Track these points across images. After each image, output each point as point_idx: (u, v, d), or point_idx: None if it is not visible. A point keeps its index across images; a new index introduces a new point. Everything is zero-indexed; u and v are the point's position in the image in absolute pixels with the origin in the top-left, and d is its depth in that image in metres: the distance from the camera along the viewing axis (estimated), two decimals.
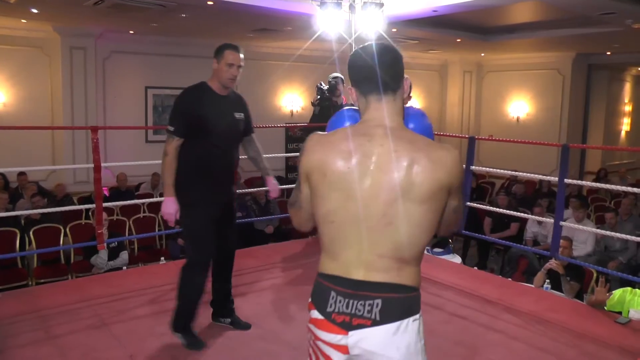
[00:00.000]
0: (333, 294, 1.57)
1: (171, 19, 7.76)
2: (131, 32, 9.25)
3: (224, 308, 3.55)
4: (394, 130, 1.57)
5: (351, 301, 1.54)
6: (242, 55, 3.22)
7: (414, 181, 1.51)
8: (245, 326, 3.51)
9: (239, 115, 3.36)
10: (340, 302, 1.56)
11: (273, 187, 3.60)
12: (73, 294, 4.02)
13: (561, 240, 5.47)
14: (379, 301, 1.52)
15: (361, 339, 1.53)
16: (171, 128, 3.14)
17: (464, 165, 1.86)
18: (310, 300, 1.66)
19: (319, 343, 1.61)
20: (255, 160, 3.62)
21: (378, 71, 1.58)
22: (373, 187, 1.52)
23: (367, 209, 1.52)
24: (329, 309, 1.57)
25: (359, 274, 1.54)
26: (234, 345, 3.31)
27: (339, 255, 1.58)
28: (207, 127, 3.16)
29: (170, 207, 3.16)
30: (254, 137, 3.60)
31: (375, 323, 1.52)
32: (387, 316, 1.52)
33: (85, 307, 3.79)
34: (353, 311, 1.54)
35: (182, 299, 3.27)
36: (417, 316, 1.57)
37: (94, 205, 4.57)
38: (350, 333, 1.54)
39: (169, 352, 3.20)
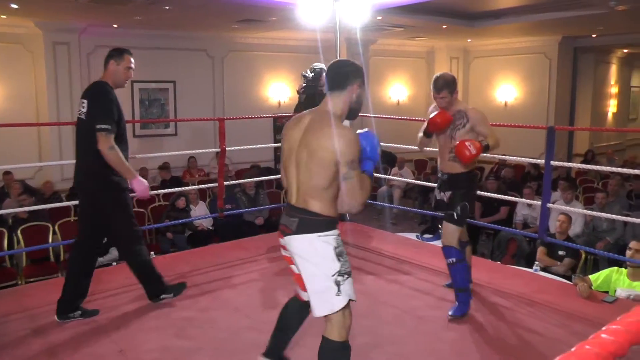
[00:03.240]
0: (283, 211, 2.45)
1: (155, 11, 7.69)
2: (115, 26, 9.17)
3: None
4: (320, 113, 2.40)
5: (286, 217, 2.39)
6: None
7: (309, 142, 2.29)
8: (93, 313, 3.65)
9: None
10: (283, 218, 2.42)
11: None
12: None
13: (560, 215, 5.57)
14: (296, 220, 2.32)
15: (288, 241, 2.37)
16: (107, 127, 3.34)
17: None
18: None
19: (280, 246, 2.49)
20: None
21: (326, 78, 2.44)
22: (292, 146, 2.40)
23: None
24: (280, 221, 2.44)
25: (292, 200, 2.39)
26: (224, 336, 3.31)
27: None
28: (122, 123, 3.50)
29: (141, 184, 3.52)
30: None
31: (293, 233, 2.33)
32: (300, 230, 2.31)
33: None
34: (285, 223, 2.38)
35: (144, 270, 3.66)
36: (321, 233, 2.30)
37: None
38: (284, 237, 2.39)
39: (159, 346, 3.20)
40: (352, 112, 2.44)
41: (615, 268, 4.30)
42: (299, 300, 2.63)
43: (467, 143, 3.32)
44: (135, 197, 3.79)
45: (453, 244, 3.55)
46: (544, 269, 5.25)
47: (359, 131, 2.41)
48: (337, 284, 2.27)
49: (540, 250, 5.51)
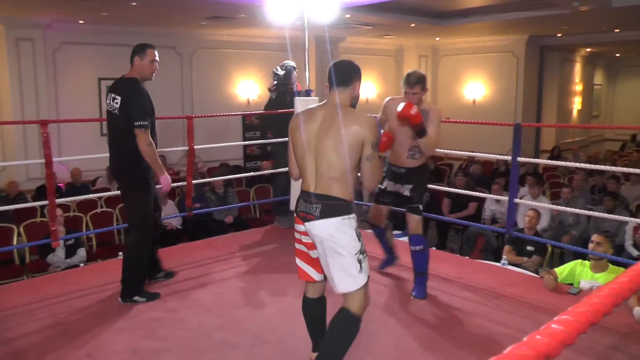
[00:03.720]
0: (301, 200, 2.60)
1: (121, 7, 7.57)
2: (81, 22, 8.99)
3: (157, 269, 4.12)
4: (334, 105, 2.62)
5: (306, 204, 2.54)
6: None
7: (334, 131, 2.51)
8: (174, 273, 4.18)
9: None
10: (301, 205, 2.58)
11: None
12: (28, 294, 3.91)
13: (529, 211, 5.69)
14: (319, 205, 2.50)
15: (311, 227, 2.52)
16: (145, 123, 3.55)
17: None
18: None
19: (295, 233, 2.67)
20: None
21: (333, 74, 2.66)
22: (309, 138, 2.59)
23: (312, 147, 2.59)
24: (297, 209, 2.61)
25: (310, 188, 2.56)
26: (194, 336, 3.29)
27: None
28: (153, 115, 3.69)
29: (167, 180, 3.74)
30: None
31: (317, 218, 2.50)
32: (324, 215, 2.49)
33: (41, 307, 3.70)
34: (306, 211, 2.54)
35: (135, 264, 3.77)
36: (344, 216, 2.50)
37: (47, 202, 4.45)
38: (306, 224, 2.54)
39: (128, 348, 3.15)
40: (352, 106, 2.71)
41: (580, 261, 4.40)
42: (311, 298, 2.80)
43: (414, 107, 3.44)
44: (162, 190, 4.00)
45: (420, 232, 3.83)
46: (513, 265, 5.34)
47: None
48: (359, 262, 2.51)
49: (506, 249, 5.60)
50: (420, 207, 3.84)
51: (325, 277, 2.68)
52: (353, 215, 2.55)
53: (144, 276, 3.88)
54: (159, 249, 4.20)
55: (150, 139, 3.59)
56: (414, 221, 3.86)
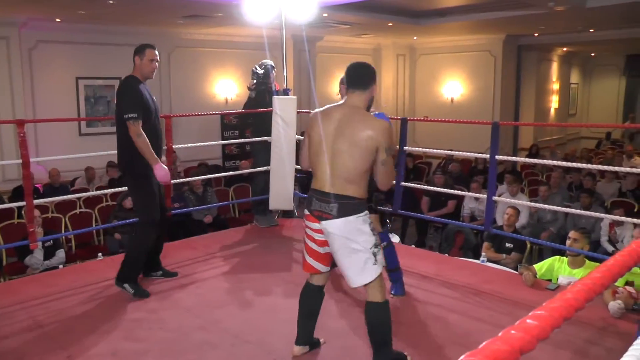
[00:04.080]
0: (314, 199, 2.69)
1: (98, 6, 7.49)
2: (57, 20, 8.86)
3: (155, 264, 4.18)
4: (351, 107, 2.71)
5: (321, 203, 2.65)
6: (157, 52, 3.93)
7: (350, 133, 2.60)
8: (174, 274, 4.20)
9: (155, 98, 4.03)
10: (314, 204, 2.68)
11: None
12: (5, 296, 3.86)
13: (508, 209, 5.77)
14: (336, 205, 2.61)
15: (327, 225, 2.64)
16: (134, 115, 3.69)
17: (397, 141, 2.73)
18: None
19: (308, 230, 2.79)
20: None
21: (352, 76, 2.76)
22: (331, 135, 2.67)
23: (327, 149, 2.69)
24: (311, 208, 2.70)
25: (324, 188, 2.66)
26: (174, 337, 3.28)
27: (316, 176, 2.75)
28: (149, 111, 3.82)
29: (161, 171, 3.79)
30: None
31: (334, 217, 2.61)
32: (341, 213, 2.60)
33: (19, 309, 3.65)
34: (322, 210, 2.65)
35: (134, 252, 3.91)
36: (360, 214, 2.62)
37: (24, 203, 4.39)
38: (322, 222, 2.65)
39: (108, 349, 3.13)
40: (367, 108, 2.80)
41: (558, 257, 4.47)
42: (315, 285, 2.91)
43: None
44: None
45: (379, 229, 3.71)
46: (492, 262, 5.41)
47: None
48: (374, 255, 2.64)
49: (485, 246, 5.67)
50: (372, 205, 3.69)
51: (329, 269, 2.87)
52: (367, 212, 2.67)
53: (140, 268, 3.99)
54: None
55: (140, 130, 3.70)
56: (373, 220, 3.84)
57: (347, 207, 2.61)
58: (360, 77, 2.73)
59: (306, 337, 3.00)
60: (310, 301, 2.94)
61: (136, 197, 4.07)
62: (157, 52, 3.94)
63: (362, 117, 2.65)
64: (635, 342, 1.52)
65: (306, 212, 2.77)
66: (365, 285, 2.68)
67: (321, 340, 3.12)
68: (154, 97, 4.02)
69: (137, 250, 3.94)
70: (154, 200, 3.93)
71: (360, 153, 2.59)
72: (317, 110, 2.84)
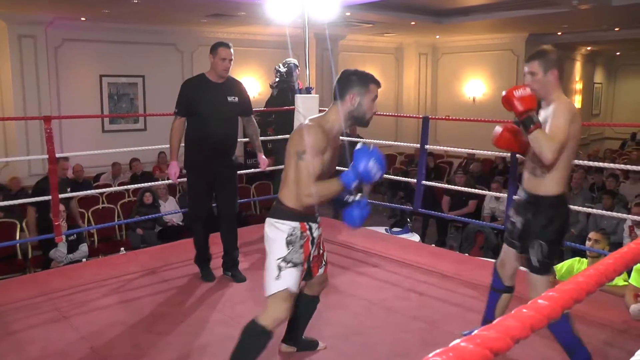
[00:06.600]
0: None
1: (123, 4, 7.60)
2: (83, 19, 9.02)
3: (224, 263, 4.27)
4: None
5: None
6: (232, 51, 3.96)
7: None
8: (242, 279, 4.16)
9: (231, 99, 4.01)
10: None
11: (262, 161, 4.39)
12: (30, 288, 3.95)
13: None
14: (274, 204, 2.55)
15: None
16: (175, 110, 3.99)
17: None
18: None
19: None
20: (251, 138, 4.36)
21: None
22: None
23: None
24: None
25: None
26: (195, 331, 3.33)
27: None
28: (198, 109, 3.91)
29: (171, 168, 4.06)
30: (252, 118, 4.32)
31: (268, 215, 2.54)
32: (270, 214, 2.53)
33: (43, 301, 3.73)
34: None
35: (194, 242, 4.19)
36: (279, 220, 2.47)
37: (49, 197, 4.48)
38: None
39: (130, 342, 3.19)
40: (357, 120, 2.52)
41: (577, 258, 4.44)
42: (307, 292, 2.85)
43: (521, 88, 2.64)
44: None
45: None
46: None
47: (358, 146, 2.43)
48: (279, 268, 2.45)
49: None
50: (535, 259, 2.78)
51: (320, 274, 2.76)
52: (292, 222, 2.46)
53: (200, 255, 4.20)
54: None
55: (173, 124, 3.98)
56: (531, 284, 2.88)
57: (273, 209, 2.53)
58: (336, 85, 2.51)
59: (292, 337, 2.98)
60: (299, 304, 2.84)
61: (187, 189, 4.43)
62: (231, 51, 3.96)
63: (306, 122, 2.49)
64: None
65: None
66: (266, 297, 2.50)
67: (321, 345, 3.08)
68: (233, 97, 4.02)
69: (195, 240, 4.21)
70: (196, 193, 4.11)
71: (287, 155, 2.47)
72: None
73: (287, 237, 2.46)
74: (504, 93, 2.65)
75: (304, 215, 2.49)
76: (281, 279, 2.44)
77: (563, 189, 2.72)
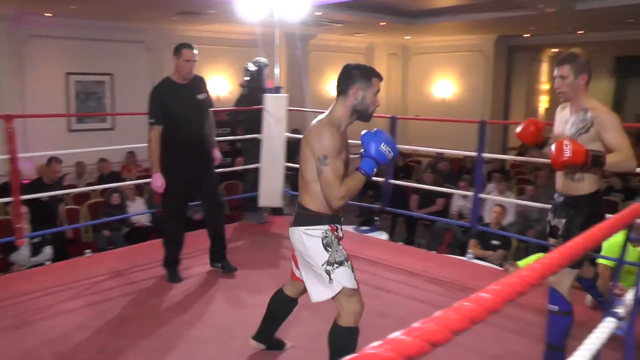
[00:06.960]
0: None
1: (91, 1, 7.47)
2: (48, 14, 8.82)
3: (212, 255, 4.31)
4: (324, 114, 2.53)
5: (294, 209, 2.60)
6: (196, 52, 3.93)
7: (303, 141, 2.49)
8: (232, 269, 4.25)
9: (201, 96, 4.01)
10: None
11: (217, 157, 4.29)
12: None
13: (496, 207, 5.83)
14: (295, 212, 2.55)
15: (290, 232, 2.58)
16: (150, 120, 3.90)
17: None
18: None
19: None
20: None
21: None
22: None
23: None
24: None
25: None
26: (162, 333, 3.30)
27: None
28: (173, 113, 3.87)
29: (157, 181, 3.92)
30: (211, 113, 4.23)
31: (291, 225, 2.55)
32: (293, 222, 2.54)
33: (5, 306, 3.64)
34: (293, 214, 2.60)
35: (164, 243, 4.13)
36: (308, 227, 2.47)
37: (11, 199, 4.38)
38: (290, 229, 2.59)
39: (95, 346, 3.15)
40: (360, 114, 2.52)
41: (542, 254, 4.51)
42: (288, 293, 2.87)
43: (565, 142, 2.68)
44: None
45: (561, 290, 2.78)
46: (478, 259, 5.46)
47: (364, 131, 2.47)
48: (328, 273, 2.45)
49: (472, 243, 5.72)
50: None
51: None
52: (321, 226, 2.48)
53: (171, 255, 4.12)
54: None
55: (151, 136, 3.90)
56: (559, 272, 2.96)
57: (299, 216, 2.52)
58: (338, 82, 2.55)
59: (264, 336, 3.01)
60: (278, 306, 2.92)
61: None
62: (195, 52, 3.91)
63: (313, 124, 2.50)
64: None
65: None
66: (332, 299, 2.52)
67: (288, 345, 3.11)
68: (202, 95, 4.03)
69: (165, 240, 4.15)
70: (173, 193, 4.02)
71: (303, 159, 2.47)
72: None
73: (322, 241, 2.47)
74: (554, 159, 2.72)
75: (331, 217, 2.51)
76: (334, 281, 2.46)
77: (599, 186, 2.90)
